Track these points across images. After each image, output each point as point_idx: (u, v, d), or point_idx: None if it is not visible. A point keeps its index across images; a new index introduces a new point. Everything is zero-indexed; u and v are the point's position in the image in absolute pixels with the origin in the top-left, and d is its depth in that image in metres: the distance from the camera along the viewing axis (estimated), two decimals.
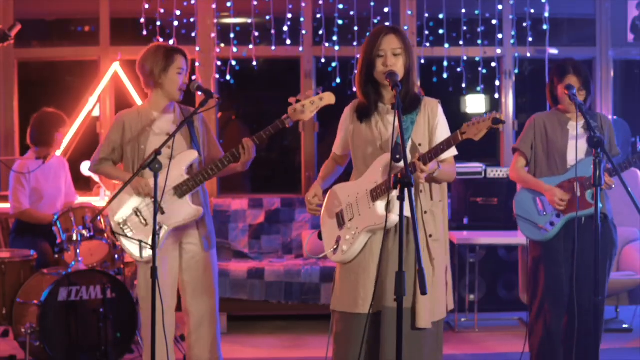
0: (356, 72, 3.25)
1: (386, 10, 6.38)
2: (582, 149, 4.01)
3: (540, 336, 4.07)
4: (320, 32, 6.38)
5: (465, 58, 6.41)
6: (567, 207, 4.00)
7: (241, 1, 6.36)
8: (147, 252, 3.74)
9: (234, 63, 6.37)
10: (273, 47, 6.39)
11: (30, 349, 4.34)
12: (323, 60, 6.44)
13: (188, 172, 3.78)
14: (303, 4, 6.41)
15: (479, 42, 6.42)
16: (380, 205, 3.07)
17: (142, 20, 6.28)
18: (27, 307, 4.45)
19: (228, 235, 6.21)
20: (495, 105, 6.78)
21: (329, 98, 3.55)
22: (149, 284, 3.78)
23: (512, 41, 6.47)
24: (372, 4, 6.33)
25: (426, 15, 6.46)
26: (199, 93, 3.83)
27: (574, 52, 6.57)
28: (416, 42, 6.43)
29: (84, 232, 4.65)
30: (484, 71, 6.43)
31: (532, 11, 6.43)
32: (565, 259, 4.00)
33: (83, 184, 6.12)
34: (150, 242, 3.71)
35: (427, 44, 6.47)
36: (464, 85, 6.44)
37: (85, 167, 5.52)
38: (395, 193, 2.71)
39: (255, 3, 6.34)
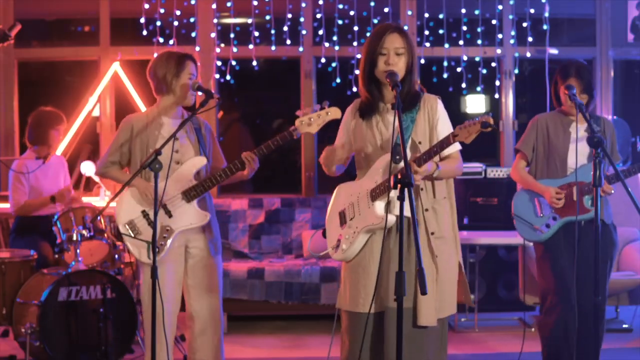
0: (358, 69, 3.25)
1: (386, 10, 6.38)
2: (584, 152, 4.01)
3: (550, 329, 4.01)
4: (320, 32, 6.38)
5: (465, 58, 6.41)
6: (563, 211, 4.01)
7: (241, 1, 6.37)
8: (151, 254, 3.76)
9: (234, 63, 6.38)
10: (273, 47, 6.39)
11: (30, 349, 4.34)
12: (323, 60, 6.44)
13: (196, 178, 3.81)
14: (303, 4, 6.41)
15: (479, 42, 6.42)
16: (379, 205, 3.08)
17: (142, 20, 6.28)
18: (27, 307, 4.45)
19: (228, 235, 6.21)
20: (495, 105, 6.78)
21: (335, 113, 3.59)
22: (150, 286, 3.80)
23: (512, 41, 6.47)
24: (372, 4, 6.34)
25: (426, 15, 6.46)
26: (199, 93, 3.84)
27: (574, 52, 6.57)
28: (416, 42, 6.43)
29: (84, 232, 4.65)
30: (484, 71, 6.43)
31: (532, 11, 6.43)
32: (567, 258, 4.00)
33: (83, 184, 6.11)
34: (157, 243, 3.74)
35: (427, 44, 6.47)
36: (464, 85, 6.44)
37: (85, 167, 5.52)
38: (394, 193, 2.72)
39: (255, 3, 6.34)
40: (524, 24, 6.41)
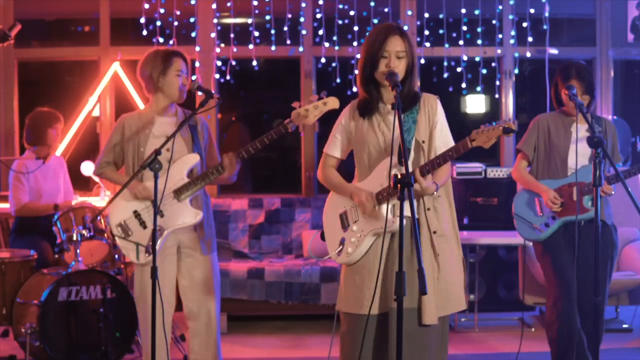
0: (357, 70, 3.24)
1: (386, 10, 6.38)
2: (584, 153, 4.01)
3: (556, 329, 3.99)
4: (320, 32, 6.38)
5: (465, 58, 6.41)
6: (562, 211, 4.01)
7: (241, 1, 6.36)
8: (144, 255, 3.76)
9: (234, 63, 6.38)
10: (273, 47, 6.39)
11: (30, 349, 4.34)
12: (323, 60, 6.44)
13: (188, 176, 3.78)
14: (303, 4, 6.41)
15: (479, 42, 6.41)
16: (386, 208, 3.07)
17: (142, 20, 6.28)
18: (27, 307, 4.45)
19: (228, 235, 6.21)
20: (495, 105, 6.78)
21: (333, 103, 3.53)
22: (143, 284, 3.83)
23: (512, 41, 6.47)
24: (372, 4, 6.33)
25: (426, 15, 6.45)
26: (199, 93, 3.84)
27: (574, 52, 6.57)
28: (416, 42, 6.43)
29: (84, 232, 4.65)
30: (484, 71, 6.43)
31: (532, 11, 6.43)
32: (567, 256, 4.00)
33: (83, 184, 6.12)
34: (145, 244, 3.73)
35: (427, 44, 6.47)
36: (464, 85, 6.44)
37: (85, 167, 5.53)
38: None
39: (255, 3, 6.34)
40: (524, 24, 6.41)
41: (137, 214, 3.78)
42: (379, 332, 3.10)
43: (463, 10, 6.38)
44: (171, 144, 3.61)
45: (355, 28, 6.36)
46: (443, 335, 3.18)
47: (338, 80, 6.36)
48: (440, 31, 6.42)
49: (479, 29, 6.40)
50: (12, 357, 4.72)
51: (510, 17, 6.48)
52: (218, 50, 6.39)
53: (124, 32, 6.83)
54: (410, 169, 3.02)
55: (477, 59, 6.44)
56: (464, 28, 6.39)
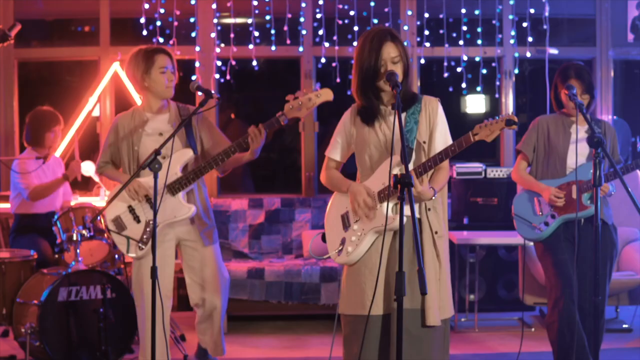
0: (352, 77, 3.22)
1: (386, 10, 6.38)
2: (583, 153, 4.01)
3: (557, 328, 3.99)
4: (320, 32, 6.38)
5: (465, 58, 6.41)
6: (562, 209, 4.01)
7: (241, 1, 6.36)
8: (134, 249, 3.80)
9: (234, 63, 6.38)
10: (273, 47, 6.39)
11: (30, 349, 4.34)
12: (323, 60, 6.44)
13: (182, 171, 3.81)
14: (303, 4, 6.41)
15: (479, 42, 6.41)
16: (389, 206, 3.07)
17: (142, 20, 6.28)
18: (27, 307, 4.45)
19: (228, 235, 6.21)
20: (495, 105, 6.78)
21: (327, 95, 3.51)
22: (138, 276, 3.91)
23: (512, 41, 6.47)
24: (372, 4, 6.33)
25: (426, 15, 6.45)
26: (199, 93, 3.85)
27: (574, 52, 6.57)
28: (416, 42, 6.43)
29: (84, 232, 4.66)
30: (484, 71, 6.43)
31: (532, 11, 6.43)
32: (567, 255, 4.00)
33: (83, 184, 6.11)
34: (138, 238, 3.78)
35: (427, 44, 6.47)
36: (464, 85, 6.44)
37: (85, 167, 5.52)
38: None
39: (255, 3, 6.34)
40: (524, 24, 6.41)
41: (131, 209, 3.82)
42: (383, 334, 3.10)
43: (463, 10, 6.38)
44: (163, 139, 3.64)
45: (355, 28, 6.36)
46: (445, 337, 3.18)
47: (338, 80, 6.35)
48: (441, 31, 6.41)
49: (479, 29, 6.40)
50: (12, 357, 4.72)
51: (510, 17, 6.47)
52: (218, 50, 6.39)
53: (124, 32, 6.83)
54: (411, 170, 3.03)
55: (477, 59, 6.44)
56: (464, 28, 6.39)
